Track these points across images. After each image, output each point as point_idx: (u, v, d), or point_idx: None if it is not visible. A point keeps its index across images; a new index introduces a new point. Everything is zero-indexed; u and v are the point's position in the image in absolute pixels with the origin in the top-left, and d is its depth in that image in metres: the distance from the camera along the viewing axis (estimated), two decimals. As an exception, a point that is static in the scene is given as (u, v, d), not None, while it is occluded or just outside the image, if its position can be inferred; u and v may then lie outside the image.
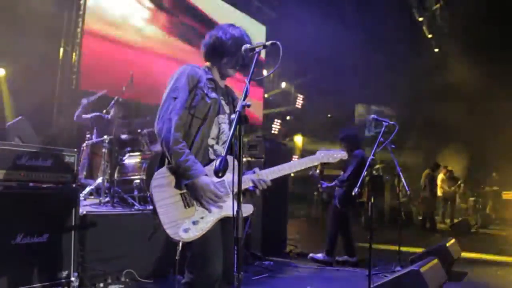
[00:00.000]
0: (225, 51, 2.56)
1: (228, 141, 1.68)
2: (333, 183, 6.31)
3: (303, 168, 2.66)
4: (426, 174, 11.98)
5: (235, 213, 1.82)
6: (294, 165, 2.62)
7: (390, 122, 4.35)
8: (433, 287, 3.96)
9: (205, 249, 2.36)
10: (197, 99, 2.50)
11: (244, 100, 1.80)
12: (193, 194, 2.35)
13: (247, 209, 2.43)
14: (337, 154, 2.83)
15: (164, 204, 2.29)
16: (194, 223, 2.28)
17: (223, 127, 2.60)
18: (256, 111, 13.06)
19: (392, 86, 14.59)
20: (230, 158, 2.21)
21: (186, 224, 2.26)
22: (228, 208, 2.36)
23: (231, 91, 2.80)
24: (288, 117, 15.49)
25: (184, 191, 2.36)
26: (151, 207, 2.50)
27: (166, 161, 2.46)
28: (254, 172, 2.51)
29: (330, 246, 6.17)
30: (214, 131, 2.55)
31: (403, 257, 5.71)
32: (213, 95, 2.58)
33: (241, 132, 1.72)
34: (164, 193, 2.32)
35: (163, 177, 2.36)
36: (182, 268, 2.52)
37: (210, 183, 2.33)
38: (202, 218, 2.32)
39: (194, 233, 2.26)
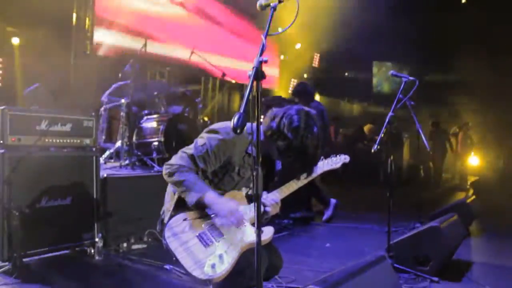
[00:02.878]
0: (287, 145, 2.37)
1: (245, 98, 1.64)
2: None
3: (309, 180, 2.65)
4: (431, 132, 12.04)
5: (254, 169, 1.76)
6: (301, 181, 2.60)
7: (410, 77, 4.24)
8: (452, 243, 3.97)
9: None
10: (225, 172, 2.46)
11: (260, 55, 1.74)
12: (212, 211, 2.30)
13: (269, 231, 2.37)
14: (338, 159, 2.86)
15: (182, 250, 2.20)
16: (220, 257, 2.18)
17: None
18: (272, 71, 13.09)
19: (412, 43, 14.19)
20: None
21: (211, 260, 2.16)
22: (250, 235, 2.28)
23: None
24: (305, 75, 15.26)
25: (200, 231, 2.28)
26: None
27: (170, 212, 2.43)
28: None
29: (325, 204, 6.22)
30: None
31: (422, 214, 5.71)
32: (248, 173, 2.51)
33: (258, 88, 1.68)
34: (180, 240, 2.24)
35: (175, 227, 2.29)
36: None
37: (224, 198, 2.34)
38: (226, 251, 2.22)
39: (221, 268, 2.14)
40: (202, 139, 2.43)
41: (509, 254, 4.64)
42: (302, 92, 6.21)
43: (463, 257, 4.27)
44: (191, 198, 2.28)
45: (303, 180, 2.60)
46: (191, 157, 2.38)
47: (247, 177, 2.53)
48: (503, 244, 5.11)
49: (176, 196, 2.47)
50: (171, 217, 2.37)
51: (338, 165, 2.87)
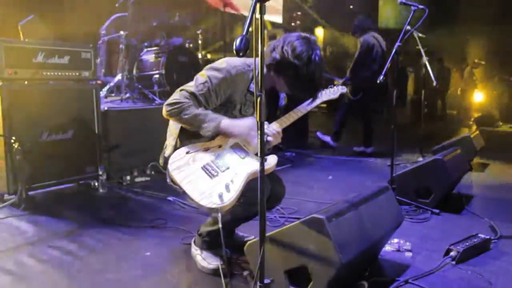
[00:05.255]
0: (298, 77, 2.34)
1: (248, 20, 1.54)
2: (344, 78, 6.22)
3: (309, 110, 2.63)
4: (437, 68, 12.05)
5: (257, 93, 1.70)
6: (300, 111, 2.58)
7: (420, 6, 4.04)
8: (454, 176, 3.98)
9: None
10: (225, 110, 2.43)
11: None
12: (231, 134, 2.31)
13: (272, 160, 2.38)
14: (336, 90, 2.84)
15: (188, 181, 2.19)
16: (226, 187, 2.18)
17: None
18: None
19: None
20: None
21: (217, 190, 2.15)
22: (254, 164, 2.28)
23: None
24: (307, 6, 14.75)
25: (204, 163, 2.27)
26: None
27: (173, 147, 2.41)
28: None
29: (336, 131, 6.34)
30: None
31: (426, 149, 5.70)
32: (250, 111, 2.48)
33: (262, 11, 1.57)
34: (184, 172, 2.22)
35: (178, 160, 2.27)
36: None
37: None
38: (231, 181, 2.21)
39: (228, 197, 2.14)
40: (203, 76, 2.37)
41: (509, 188, 4.68)
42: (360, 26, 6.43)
43: (464, 191, 4.30)
44: (207, 130, 2.28)
45: (302, 111, 2.59)
46: (192, 94, 2.33)
47: (249, 115, 2.50)
48: (503, 179, 5.14)
49: (177, 130, 2.45)
50: (173, 151, 2.36)
51: (336, 95, 2.87)
